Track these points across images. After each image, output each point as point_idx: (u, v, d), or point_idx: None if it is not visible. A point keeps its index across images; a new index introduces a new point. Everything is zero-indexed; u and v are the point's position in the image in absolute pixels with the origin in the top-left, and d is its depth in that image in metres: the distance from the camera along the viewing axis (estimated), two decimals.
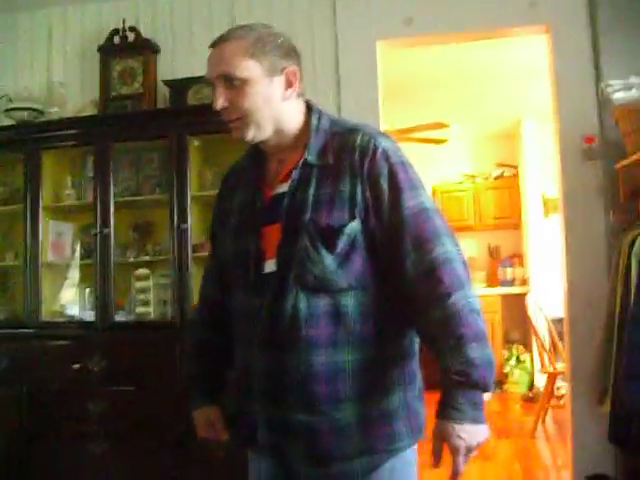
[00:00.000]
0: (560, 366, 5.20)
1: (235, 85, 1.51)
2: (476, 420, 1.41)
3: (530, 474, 4.35)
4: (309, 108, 1.64)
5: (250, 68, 1.51)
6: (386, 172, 1.49)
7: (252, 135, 1.56)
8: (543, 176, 6.87)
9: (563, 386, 5.53)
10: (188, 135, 3.59)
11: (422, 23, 3.61)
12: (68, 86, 4.04)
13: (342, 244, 1.47)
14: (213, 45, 1.56)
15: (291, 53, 1.59)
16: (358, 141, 1.53)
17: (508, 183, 7.74)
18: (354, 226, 1.47)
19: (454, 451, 1.42)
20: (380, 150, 1.50)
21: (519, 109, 6.74)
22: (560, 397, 5.62)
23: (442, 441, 1.43)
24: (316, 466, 1.52)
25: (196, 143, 3.67)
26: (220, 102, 1.53)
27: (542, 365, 5.46)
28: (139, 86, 3.83)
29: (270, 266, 1.53)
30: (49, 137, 3.82)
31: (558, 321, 5.31)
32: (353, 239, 1.47)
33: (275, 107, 1.55)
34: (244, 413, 1.61)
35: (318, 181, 1.52)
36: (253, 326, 1.55)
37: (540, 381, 6.45)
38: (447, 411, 1.42)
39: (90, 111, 3.88)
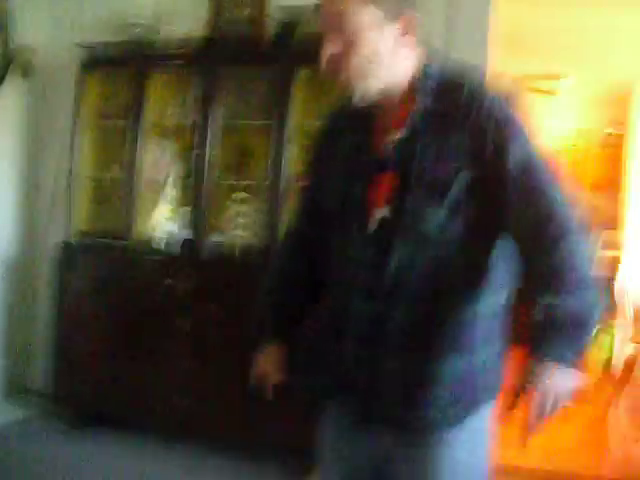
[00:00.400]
0: None
1: (348, 32, 1.41)
2: (571, 363, 1.35)
3: (601, 445, 4.26)
4: (423, 56, 1.53)
5: (366, 14, 1.40)
6: (491, 129, 1.42)
7: (361, 91, 1.46)
8: None
9: None
10: (295, 65, 3.56)
11: None
12: (181, 5, 4.03)
13: (452, 195, 1.42)
14: None
15: None
16: (464, 95, 1.45)
17: (615, 144, 7.44)
18: (462, 179, 1.42)
19: (539, 394, 1.34)
20: (485, 106, 1.43)
21: (634, 71, 6.43)
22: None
23: (528, 381, 1.35)
24: (404, 410, 1.51)
25: (303, 74, 3.62)
26: (330, 49, 1.43)
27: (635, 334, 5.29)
28: (251, 11, 3.79)
29: (379, 215, 1.49)
30: (159, 56, 3.86)
31: None
32: (462, 192, 1.42)
33: (388, 58, 1.45)
34: (331, 361, 1.60)
35: (428, 132, 1.45)
36: (355, 274, 1.53)
37: (625, 351, 6.27)
38: (541, 348, 1.36)
39: (200, 33, 3.88)
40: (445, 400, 1.48)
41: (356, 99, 1.49)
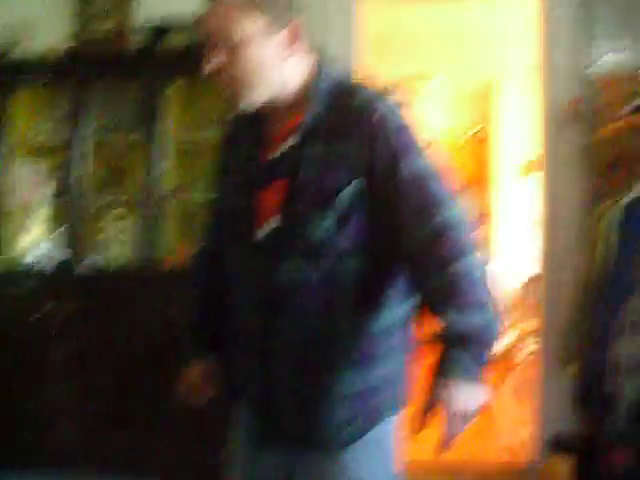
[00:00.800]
0: (524, 325, 5.26)
1: (231, 44, 1.38)
2: (475, 379, 1.35)
3: (490, 429, 4.42)
4: (315, 65, 1.51)
5: (248, 24, 1.37)
6: (382, 139, 1.40)
7: (247, 101, 1.45)
8: (518, 138, 6.87)
9: (526, 345, 5.63)
10: (165, 77, 3.52)
11: None
12: (41, 20, 3.87)
13: (340, 206, 1.40)
14: (208, 1, 1.41)
15: (293, 4, 1.45)
16: (355, 104, 1.44)
17: (483, 141, 7.74)
18: (352, 189, 1.40)
19: (449, 412, 1.33)
20: (376, 115, 1.41)
21: (499, 69, 6.72)
22: (523, 357, 5.71)
23: (436, 401, 1.35)
24: (302, 427, 1.50)
25: (175, 86, 3.58)
26: (212, 64, 1.41)
27: (512, 322, 5.52)
28: (115, 23, 3.70)
29: (267, 227, 1.47)
30: (21, 71, 3.69)
31: (525, 283, 5.38)
32: (351, 202, 1.40)
33: (273, 66, 1.43)
34: (238, 369, 1.60)
35: (318, 142, 1.44)
36: (248, 287, 1.52)
37: (505, 339, 6.53)
38: (445, 368, 1.35)
39: (63, 46, 3.74)
40: (342, 416, 1.47)
41: (243, 108, 1.47)
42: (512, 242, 6.89)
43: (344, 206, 1.40)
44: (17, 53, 3.79)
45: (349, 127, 1.42)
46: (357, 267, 1.44)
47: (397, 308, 1.52)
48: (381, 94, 1.49)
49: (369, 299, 1.47)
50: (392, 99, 1.50)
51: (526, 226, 5.95)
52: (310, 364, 1.46)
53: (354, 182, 1.40)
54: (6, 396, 3.52)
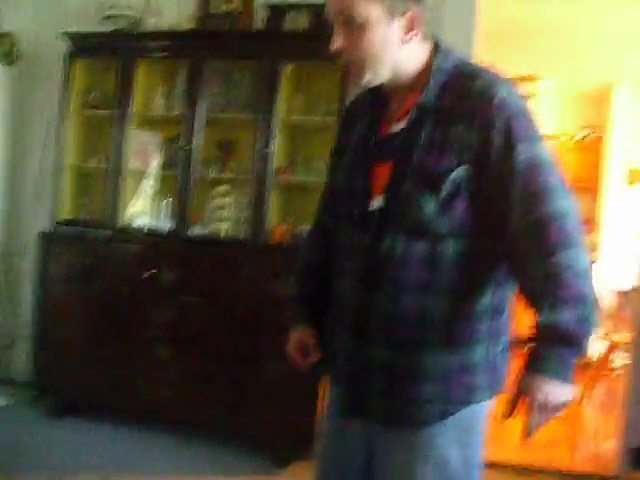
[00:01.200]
0: (616, 337, 5.12)
1: (354, 26, 1.46)
2: (563, 378, 1.36)
3: (576, 439, 4.35)
4: (436, 48, 1.56)
5: (370, 9, 1.44)
6: (500, 124, 1.41)
7: (369, 78, 1.52)
8: (630, 144, 6.67)
9: (617, 357, 5.48)
10: (281, 59, 3.59)
11: None
12: None
13: (446, 190, 1.42)
14: None
15: None
16: (475, 87, 1.46)
17: (591, 146, 7.52)
18: (460, 172, 1.42)
19: (533, 405, 1.37)
20: (497, 99, 1.43)
21: (613, 72, 6.51)
22: (613, 369, 5.56)
23: (523, 393, 1.39)
24: (389, 404, 1.53)
25: (289, 68, 3.66)
26: (337, 43, 1.49)
27: (606, 332, 5.39)
28: (238, 5, 3.83)
29: (375, 204, 1.52)
30: (144, 47, 3.90)
31: (624, 293, 5.24)
32: (458, 186, 1.42)
33: (394, 51, 1.49)
34: (332, 342, 1.65)
35: (432, 124, 1.47)
36: (351, 261, 1.57)
37: (597, 349, 6.37)
38: (535, 364, 1.37)
39: (187, 25, 3.91)
40: (431, 394, 1.49)
41: (365, 86, 1.56)
42: (616, 250, 6.71)
43: (449, 190, 1.43)
44: (141, 30, 4.01)
45: (467, 110, 1.45)
46: (458, 250, 1.47)
47: (498, 293, 1.53)
48: (503, 79, 1.51)
49: (468, 281, 1.49)
50: (515, 85, 1.51)
51: (631, 235, 5.78)
52: (403, 341, 1.49)
53: (462, 167, 1.42)
54: (109, 349, 3.73)
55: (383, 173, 1.52)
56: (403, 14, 1.48)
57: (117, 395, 3.72)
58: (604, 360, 5.31)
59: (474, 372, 1.51)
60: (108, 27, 4.01)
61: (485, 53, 3.74)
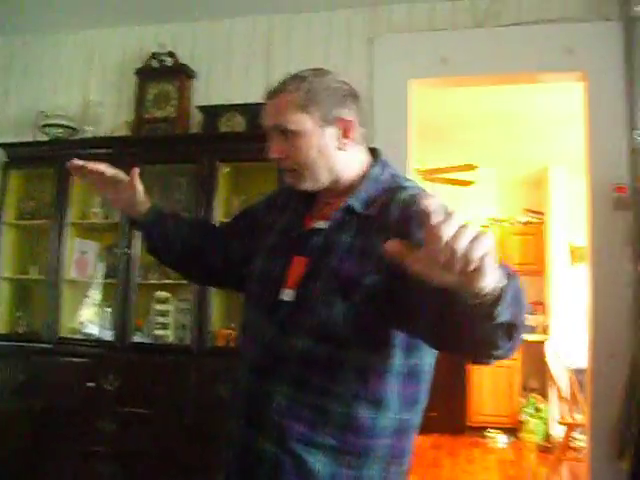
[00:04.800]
0: (579, 417, 5.10)
1: (289, 136, 1.51)
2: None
3: None
4: (374, 156, 1.61)
5: (302, 121, 1.50)
6: (417, 228, 1.34)
7: (308, 186, 1.56)
8: (570, 224, 6.83)
9: (580, 438, 5.43)
10: (218, 161, 3.62)
11: (456, 64, 3.63)
12: (103, 106, 4.11)
13: (358, 297, 1.41)
14: (267, 97, 1.55)
15: (346, 100, 1.54)
16: (401, 197, 1.47)
17: (534, 230, 7.69)
18: (375, 281, 1.40)
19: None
20: (418, 206, 1.40)
21: (548, 155, 6.73)
22: (576, 449, 5.51)
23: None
24: None
25: (226, 170, 3.69)
26: (274, 153, 1.54)
27: (561, 416, 5.36)
28: (173, 110, 3.87)
29: (288, 295, 1.50)
30: (81, 155, 3.82)
31: (579, 371, 5.23)
32: (371, 295, 1.40)
33: (330, 158, 1.53)
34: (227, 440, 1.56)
35: (355, 230, 1.48)
36: (251, 348, 1.54)
37: (557, 431, 6.33)
38: None
39: (123, 132, 3.94)
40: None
41: (302, 189, 1.58)
42: (566, 330, 6.76)
43: (360, 298, 1.40)
44: (80, 135, 4.02)
45: (391, 219, 1.44)
46: (362, 358, 1.43)
47: (400, 411, 1.47)
48: (429, 193, 1.47)
49: (370, 392, 1.43)
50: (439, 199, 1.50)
51: (579, 315, 5.83)
52: (294, 440, 1.42)
53: (378, 276, 1.40)
54: (52, 466, 3.53)
55: (299, 267, 1.51)
56: (336, 121, 1.52)
57: None
58: (565, 442, 5.25)
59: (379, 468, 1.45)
60: (44, 137, 4.01)
61: (421, 147, 3.86)
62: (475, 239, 0.97)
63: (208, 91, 3.97)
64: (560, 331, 6.88)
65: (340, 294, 1.42)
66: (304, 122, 1.50)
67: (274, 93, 1.54)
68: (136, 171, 1.76)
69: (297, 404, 1.43)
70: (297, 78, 1.54)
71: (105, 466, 3.44)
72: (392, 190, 1.51)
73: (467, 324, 1.14)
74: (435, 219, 0.97)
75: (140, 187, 1.77)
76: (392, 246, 1.06)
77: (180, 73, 3.92)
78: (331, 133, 1.52)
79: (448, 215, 0.98)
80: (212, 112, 3.79)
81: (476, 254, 0.97)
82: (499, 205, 7.95)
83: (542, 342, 6.71)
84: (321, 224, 1.55)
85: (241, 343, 1.64)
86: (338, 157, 1.54)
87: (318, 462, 1.41)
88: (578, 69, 3.52)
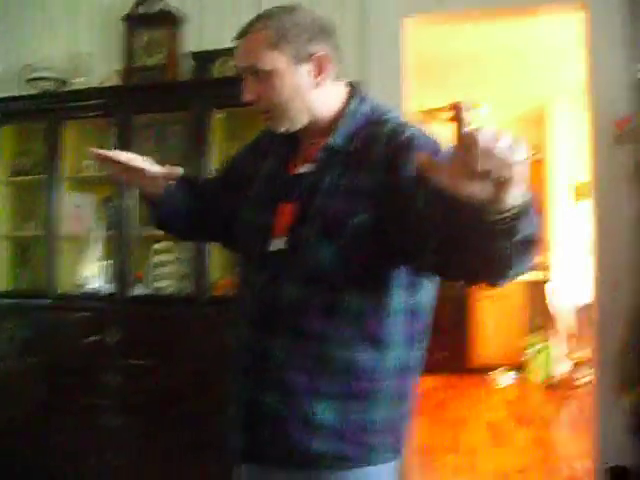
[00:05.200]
0: (579, 355, 5.11)
1: (262, 77, 1.46)
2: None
3: (549, 462, 4.29)
4: (352, 91, 1.56)
5: (274, 60, 1.45)
6: (410, 156, 1.33)
7: (285, 127, 1.51)
8: (573, 161, 6.76)
9: (583, 375, 5.47)
10: (212, 108, 3.54)
11: (453, 0, 3.51)
12: (92, 56, 4.00)
13: (346, 237, 1.38)
14: (237, 37, 1.51)
15: (320, 35, 1.49)
16: (386, 130, 1.44)
17: (536, 167, 7.62)
18: (363, 219, 1.37)
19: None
20: (406, 135, 1.40)
21: (549, 92, 6.64)
22: (580, 386, 5.54)
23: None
24: (281, 450, 1.44)
25: (220, 116, 3.61)
26: (248, 95, 1.49)
27: (569, 351, 5.37)
28: (163, 57, 3.77)
29: (276, 244, 1.48)
30: (71, 107, 3.80)
31: (583, 308, 5.24)
32: (360, 234, 1.38)
33: (306, 96, 1.48)
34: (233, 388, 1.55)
35: (339, 168, 1.45)
36: (248, 301, 1.51)
37: (561, 369, 6.37)
38: None
39: (114, 82, 3.84)
40: (323, 449, 1.41)
41: (281, 132, 1.53)
42: (569, 268, 6.75)
43: (348, 238, 1.38)
44: (66, 91, 3.92)
45: (376, 153, 1.41)
46: (358, 297, 1.41)
47: (408, 351, 1.47)
48: (412, 123, 1.49)
49: (370, 332, 1.42)
50: (424, 129, 1.47)
51: (581, 252, 5.82)
52: (297, 390, 1.41)
53: (366, 215, 1.38)
54: (56, 421, 3.57)
55: (286, 214, 1.48)
56: (310, 58, 1.47)
57: (67, 468, 3.54)
58: (569, 379, 5.28)
59: (371, 431, 1.43)
60: (33, 90, 3.92)
61: (416, 86, 3.77)
62: (512, 146, 0.97)
63: (199, 36, 3.85)
64: (563, 269, 6.87)
65: (327, 236, 1.39)
66: (276, 60, 1.45)
67: (244, 33, 1.49)
68: (178, 170, 1.69)
69: (296, 355, 1.41)
70: (266, 16, 1.48)
71: (111, 419, 3.45)
72: (374, 123, 1.49)
73: (483, 244, 1.12)
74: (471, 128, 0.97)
75: (159, 171, 1.69)
76: (422, 158, 1.04)
77: (169, 19, 3.80)
78: (305, 70, 1.47)
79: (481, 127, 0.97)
80: (204, 58, 3.69)
81: (513, 160, 0.97)
82: None
83: (545, 281, 6.72)
84: (305, 168, 1.51)
85: (238, 297, 1.61)
86: (314, 95, 1.49)
87: (323, 412, 1.40)
88: None
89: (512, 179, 0.99)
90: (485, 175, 0.97)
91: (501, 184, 0.99)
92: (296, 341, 1.41)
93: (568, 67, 5.06)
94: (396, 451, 1.49)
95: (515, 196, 1.02)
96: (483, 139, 0.96)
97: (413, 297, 1.46)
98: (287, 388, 1.41)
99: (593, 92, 3.36)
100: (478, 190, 0.99)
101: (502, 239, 1.08)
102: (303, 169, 1.52)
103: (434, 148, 1.39)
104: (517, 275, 1.19)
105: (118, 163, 1.67)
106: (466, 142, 0.97)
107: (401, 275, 1.42)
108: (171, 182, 1.72)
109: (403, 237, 1.32)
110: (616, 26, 3.30)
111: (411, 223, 1.30)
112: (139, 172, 1.67)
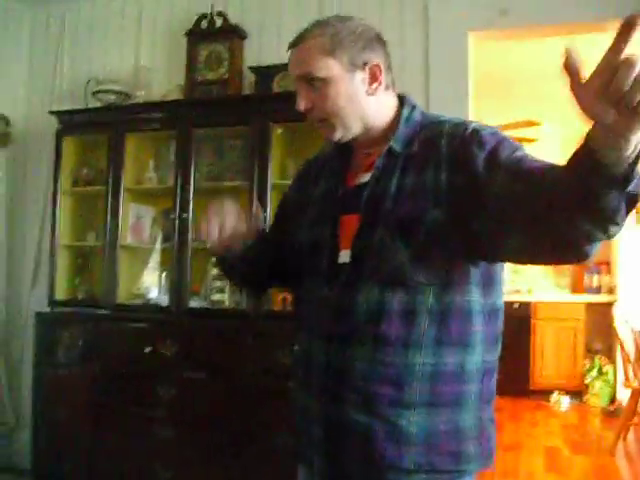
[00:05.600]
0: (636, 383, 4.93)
1: (316, 85, 1.45)
2: None
3: None
4: (402, 101, 1.55)
5: (329, 67, 1.43)
6: (478, 148, 1.33)
7: (340, 135, 1.49)
8: None
9: None
10: (272, 123, 3.54)
11: (517, 15, 3.44)
12: (154, 70, 4.08)
13: (421, 236, 1.35)
14: (291, 46, 1.50)
15: (373, 43, 1.49)
16: (447, 128, 1.43)
17: None
18: (435, 216, 1.35)
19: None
20: (470, 130, 1.39)
21: None
22: None
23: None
24: (369, 474, 1.40)
25: (279, 131, 3.62)
26: (303, 103, 1.48)
27: (626, 379, 5.20)
28: (225, 71, 3.80)
29: (344, 257, 1.45)
30: (134, 120, 3.86)
31: None
32: (435, 231, 1.35)
33: (360, 104, 1.47)
34: (301, 413, 1.53)
35: (402, 171, 1.43)
36: (318, 317, 1.48)
37: (622, 395, 6.16)
38: None
39: (175, 96, 3.89)
40: (414, 463, 1.37)
41: (335, 141, 1.52)
42: (633, 291, 6.56)
43: (423, 237, 1.36)
44: (132, 100, 4.01)
45: (438, 151, 1.40)
46: (440, 301, 1.38)
47: (488, 351, 1.45)
48: (470, 120, 1.49)
49: (454, 336, 1.39)
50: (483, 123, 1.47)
51: None
52: (382, 402, 1.38)
53: (437, 211, 1.36)
54: (110, 431, 3.60)
55: (350, 226, 1.46)
56: (364, 66, 1.46)
57: (114, 477, 3.56)
58: (631, 408, 5.09)
59: (463, 438, 1.40)
60: (97, 103, 4.00)
61: (480, 103, 3.71)
62: None
63: (260, 51, 3.87)
64: (627, 292, 6.67)
65: (402, 238, 1.37)
66: (331, 68, 1.43)
67: (298, 40, 1.48)
68: (260, 211, 1.69)
69: (379, 365, 1.38)
70: (321, 23, 1.49)
71: (163, 431, 3.46)
72: (430, 126, 1.48)
73: (579, 208, 1.07)
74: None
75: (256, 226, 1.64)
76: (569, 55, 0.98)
77: (231, 33, 3.84)
78: (360, 78, 1.47)
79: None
80: (264, 72, 3.70)
81: None
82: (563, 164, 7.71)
83: (607, 303, 6.54)
84: (365, 177, 1.49)
85: (300, 316, 1.57)
86: (368, 103, 1.48)
87: (411, 423, 1.37)
88: None
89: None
90: (620, 97, 0.89)
91: (630, 112, 0.91)
92: (377, 350, 1.38)
93: None
94: (487, 458, 1.45)
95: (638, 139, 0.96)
96: (624, 54, 0.89)
97: (490, 297, 1.44)
98: (372, 401, 1.38)
99: None
100: (608, 116, 0.93)
101: (611, 190, 1.02)
102: (363, 179, 1.50)
103: (499, 137, 1.37)
104: (617, 232, 1.12)
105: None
106: (609, 56, 0.91)
107: (477, 274, 1.40)
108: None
109: (484, 225, 1.29)
110: None
111: (492, 209, 1.27)
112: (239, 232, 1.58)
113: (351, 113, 1.47)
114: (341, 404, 1.41)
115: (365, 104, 1.48)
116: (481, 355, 1.43)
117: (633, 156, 0.99)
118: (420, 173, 1.40)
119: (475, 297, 1.41)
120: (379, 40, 1.51)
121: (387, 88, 1.52)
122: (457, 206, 1.34)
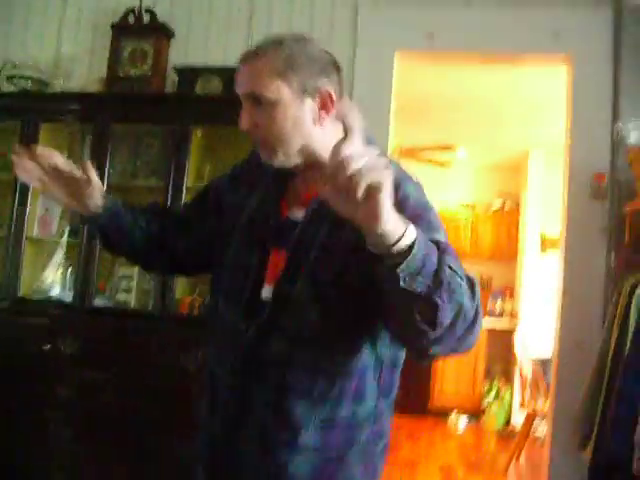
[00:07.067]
0: (539, 406, 5.10)
1: (264, 106, 1.37)
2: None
3: None
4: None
5: (279, 89, 1.36)
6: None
7: (280, 161, 1.42)
8: (544, 212, 6.83)
9: (540, 427, 5.45)
10: (192, 124, 3.50)
11: (443, 39, 3.53)
12: (76, 60, 3.96)
13: (334, 298, 1.35)
14: (241, 61, 1.41)
15: (327, 69, 1.41)
16: None
17: (508, 215, 7.69)
18: (351, 279, 1.32)
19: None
20: (400, 193, 1.30)
21: (527, 141, 6.69)
22: (536, 438, 5.53)
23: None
24: None
25: (199, 134, 3.58)
26: (245, 123, 1.40)
27: (522, 403, 5.37)
28: (148, 69, 3.73)
29: (267, 292, 1.42)
30: (49, 109, 3.73)
31: (542, 361, 5.24)
32: (347, 294, 1.33)
33: (306, 132, 1.40)
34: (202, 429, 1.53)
35: (332, 221, 1.33)
36: (229, 347, 1.46)
37: (518, 419, 6.35)
38: None
39: (95, 88, 3.79)
40: None
41: (275, 165, 1.44)
42: (534, 318, 6.79)
43: (339, 296, 1.35)
44: (50, 88, 3.86)
45: None
46: (342, 356, 1.38)
47: (379, 400, 1.46)
48: (409, 176, 1.43)
49: (349, 387, 1.40)
50: (419, 183, 1.44)
51: (547, 302, 5.85)
52: (275, 442, 1.40)
53: (352, 274, 1.32)
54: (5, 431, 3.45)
55: (278, 262, 1.42)
56: (315, 93, 1.39)
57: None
58: (525, 430, 5.26)
59: (350, 470, 1.43)
60: (12, 88, 3.85)
61: (399, 125, 3.77)
62: (372, 167, 0.94)
63: (186, 52, 3.83)
64: (528, 318, 6.89)
65: (316, 298, 1.35)
66: (281, 90, 1.36)
67: (250, 57, 1.40)
68: (89, 164, 1.53)
69: (280, 411, 1.39)
70: (276, 42, 1.39)
71: (61, 431, 3.35)
72: None
73: (395, 305, 1.10)
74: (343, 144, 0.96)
75: (97, 181, 1.54)
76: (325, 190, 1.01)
77: (157, 31, 3.77)
78: (309, 105, 1.39)
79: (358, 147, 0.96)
80: (189, 73, 3.66)
81: (365, 178, 0.93)
82: (475, 189, 7.94)
83: (508, 329, 6.74)
84: (299, 214, 1.44)
85: (212, 331, 1.55)
86: (314, 132, 1.40)
87: (299, 466, 1.39)
88: (563, 52, 3.45)
89: (374, 203, 0.95)
90: (348, 185, 0.94)
91: (364, 207, 0.96)
92: (280, 396, 1.38)
93: (548, 119, 5.11)
94: None
95: (386, 226, 0.99)
96: (345, 154, 0.95)
97: (393, 350, 1.44)
98: (267, 440, 1.39)
99: (572, 146, 3.38)
100: (350, 210, 0.99)
101: (401, 295, 1.05)
102: (297, 214, 1.45)
103: (421, 211, 1.34)
104: (438, 352, 1.15)
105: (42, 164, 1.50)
106: (332, 157, 0.96)
107: (382, 330, 1.39)
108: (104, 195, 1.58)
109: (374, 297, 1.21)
110: (600, 82, 3.33)
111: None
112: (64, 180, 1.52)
113: (295, 140, 1.39)
114: (237, 432, 1.43)
115: (309, 134, 1.40)
116: (374, 402, 1.45)
117: (400, 247, 1.02)
118: (345, 228, 1.24)
119: (380, 352, 1.42)
120: (335, 66, 1.43)
121: (336, 120, 1.42)
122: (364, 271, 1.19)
